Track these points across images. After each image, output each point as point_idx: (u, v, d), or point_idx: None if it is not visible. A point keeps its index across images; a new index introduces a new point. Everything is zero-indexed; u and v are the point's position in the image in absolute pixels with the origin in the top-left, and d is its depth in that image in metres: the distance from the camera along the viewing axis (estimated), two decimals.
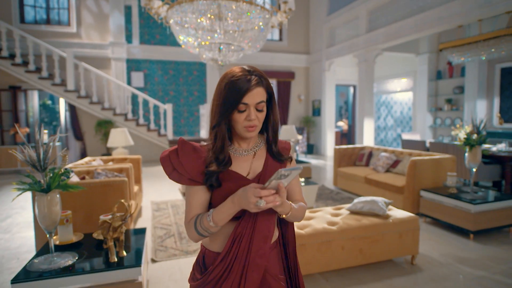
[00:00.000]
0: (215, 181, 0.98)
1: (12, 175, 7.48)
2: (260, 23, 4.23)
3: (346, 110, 13.65)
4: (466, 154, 3.50)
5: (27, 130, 8.13)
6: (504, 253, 3.08)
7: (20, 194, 1.89)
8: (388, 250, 2.70)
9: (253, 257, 0.97)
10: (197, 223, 0.98)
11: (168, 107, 8.59)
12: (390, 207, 2.97)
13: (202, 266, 1.06)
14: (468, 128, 3.51)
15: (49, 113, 10.82)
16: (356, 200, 2.89)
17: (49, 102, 10.71)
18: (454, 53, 6.11)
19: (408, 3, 7.04)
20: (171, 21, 4.26)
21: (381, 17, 7.89)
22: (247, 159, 1.05)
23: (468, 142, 3.40)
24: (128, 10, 9.07)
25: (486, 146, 5.69)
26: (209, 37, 4.21)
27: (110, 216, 2.02)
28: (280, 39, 10.95)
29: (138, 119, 8.75)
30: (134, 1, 9.02)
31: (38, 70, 7.84)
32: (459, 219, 3.44)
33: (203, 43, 4.29)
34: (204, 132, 9.10)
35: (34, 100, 9.00)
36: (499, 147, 5.45)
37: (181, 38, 4.40)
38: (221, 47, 4.30)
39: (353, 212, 2.83)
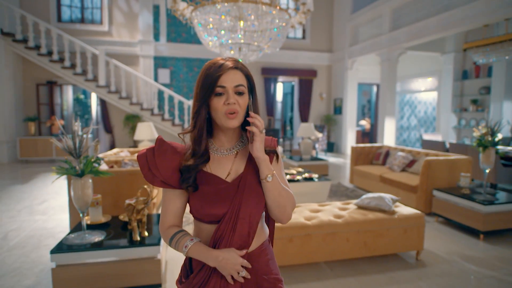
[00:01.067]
0: (192, 184, 0.95)
1: (48, 163, 8.06)
2: (279, 23, 4.39)
3: (369, 109, 13.53)
4: (480, 155, 3.53)
5: (62, 122, 8.70)
6: None
7: (59, 177, 2.17)
8: (393, 244, 2.81)
9: None
10: (172, 241, 0.98)
11: (192, 103, 8.90)
12: (397, 204, 3.08)
13: (188, 269, 1.03)
14: (483, 130, 3.53)
15: (81, 107, 11.46)
16: (364, 196, 3.02)
17: (82, 96, 11.34)
18: (478, 53, 6.00)
19: (433, 1, 6.95)
20: (195, 21, 4.50)
21: (404, 15, 7.82)
22: (228, 159, 0.99)
23: (481, 143, 3.43)
24: (156, 9, 9.45)
25: (509, 148, 5.59)
26: (230, 40, 4.41)
27: (134, 200, 2.27)
28: (303, 37, 11.02)
29: (164, 114, 9.13)
30: (162, 1, 9.38)
31: (73, 66, 8.36)
32: (470, 219, 3.47)
33: (224, 43, 4.51)
34: None
35: (69, 94, 9.60)
36: None
37: (204, 38, 4.63)
38: (242, 47, 4.50)
39: (360, 207, 2.96)
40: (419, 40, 7.42)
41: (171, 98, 9.56)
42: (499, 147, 5.33)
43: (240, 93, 0.94)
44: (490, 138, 3.40)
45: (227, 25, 4.34)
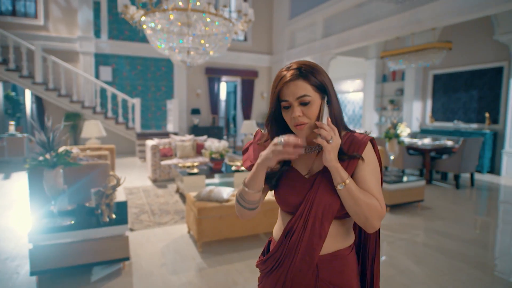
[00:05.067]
0: (274, 182, 1.00)
1: None
2: (222, 30, 4.90)
3: None
4: (387, 145, 4.42)
5: None
6: (410, 220, 4.01)
7: (32, 168, 2.44)
8: None
9: (303, 254, 0.94)
10: (237, 194, 1.00)
11: (136, 102, 8.98)
12: None
13: (266, 252, 1.10)
14: (388, 125, 4.42)
15: (12, 105, 10.73)
16: None
17: (12, 93, 10.63)
18: (391, 61, 7.12)
19: (356, 14, 8.00)
20: (145, 26, 4.79)
21: (334, 25, 8.82)
22: (310, 157, 1.00)
23: (387, 135, 4.31)
24: (96, 6, 9.29)
25: (414, 140, 6.77)
26: (180, 41, 4.80)
27: (102, 187, 2.61)
28: (245, 39, 11.63)
29: (107, 112, 9.07)
30: None
31: (5, 62, 7.93)
32: None
33: (173, 46, 4.87)
34: (171, 126, 9.60)
35: None
36: (424, 142, 6.53)
37: (152, 41, 4.94)
38: (190, 51, 4.92)
39: None
40: (347, 47, 8.44)
41: (114, 96, 9.49)
42: (407, 139, 6.46)
43: (305, 104, 0.91)
44: (393, 131, 4.30)
45: (176, 31, 4.71)
